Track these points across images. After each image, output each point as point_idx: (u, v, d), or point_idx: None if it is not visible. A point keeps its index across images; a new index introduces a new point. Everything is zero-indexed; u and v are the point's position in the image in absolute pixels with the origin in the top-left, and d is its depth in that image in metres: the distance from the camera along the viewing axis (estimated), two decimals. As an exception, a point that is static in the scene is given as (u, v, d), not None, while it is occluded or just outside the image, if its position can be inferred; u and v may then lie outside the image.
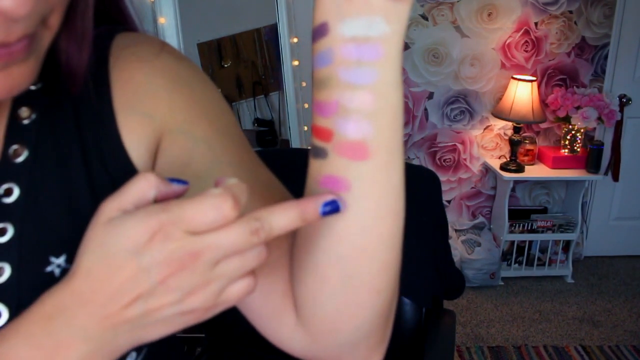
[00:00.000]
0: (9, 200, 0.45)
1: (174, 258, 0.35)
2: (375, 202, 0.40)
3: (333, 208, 0.38)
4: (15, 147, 0.46)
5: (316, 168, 0.41)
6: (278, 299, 0.46)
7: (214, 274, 0.36)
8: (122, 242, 0.35)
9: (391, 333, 0.48)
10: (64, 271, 0.44)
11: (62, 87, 0.47)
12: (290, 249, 0.47)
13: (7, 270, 0.43)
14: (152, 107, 0.48)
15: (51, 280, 0.43)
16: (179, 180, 0.39)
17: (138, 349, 0.49)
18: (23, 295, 0.43)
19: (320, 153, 0.40)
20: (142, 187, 0.36)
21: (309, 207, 0.37)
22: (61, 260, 0.45)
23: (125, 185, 0.37)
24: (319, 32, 0.38)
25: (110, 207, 0.36)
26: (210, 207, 0.35)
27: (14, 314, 0.43)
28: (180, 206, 0.35)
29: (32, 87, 0.48)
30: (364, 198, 0.39)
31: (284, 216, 0.36)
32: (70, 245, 0.44)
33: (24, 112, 0.47)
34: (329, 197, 0.38)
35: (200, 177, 0.47)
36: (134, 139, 0.47)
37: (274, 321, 0.46)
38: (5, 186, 0.45)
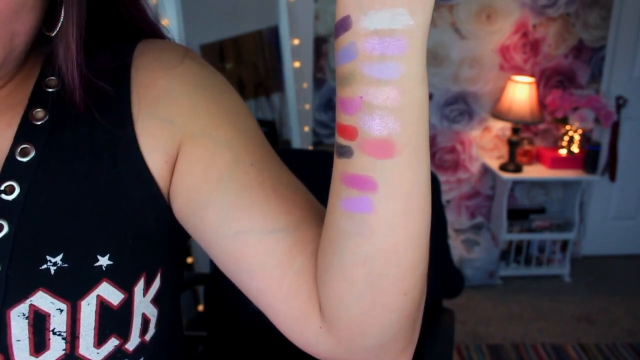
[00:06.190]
0: (9, 197, 0.45)
1: None
2: (402, 201, 0.38)
3: None
4: (23, 146, 0.46)
5: (341, 167, 0.39)
6: (303, 303, 0.45)
7: None
8: None
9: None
10: (59, 269, 0.44)
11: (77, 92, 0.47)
12: (315, 252, 0.46)
13: None
14: (173, 112, 0.48)
15: (44, 278, 0.44)
16: None
17: (132, 357, 0.48)
18: (10, 292, 0.43)
19: (345, 152, 0.38)
20: None
21: None
22: (58, 259, 0.44)
23: None
24: (341, 26, 0.36)
25: None
26: None
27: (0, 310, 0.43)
28: None
29: (49, 89, 0.48)
30: (391, 197, 0.38)
31: None
32: (69, 245, 0.45)
33: (39, 113, 0.47)
34: None
35: (222, 178, 0.46)
36: (152, 143, 0.47)
37: (299, 324, 0.45)
38: (7, 184, 0.45)
